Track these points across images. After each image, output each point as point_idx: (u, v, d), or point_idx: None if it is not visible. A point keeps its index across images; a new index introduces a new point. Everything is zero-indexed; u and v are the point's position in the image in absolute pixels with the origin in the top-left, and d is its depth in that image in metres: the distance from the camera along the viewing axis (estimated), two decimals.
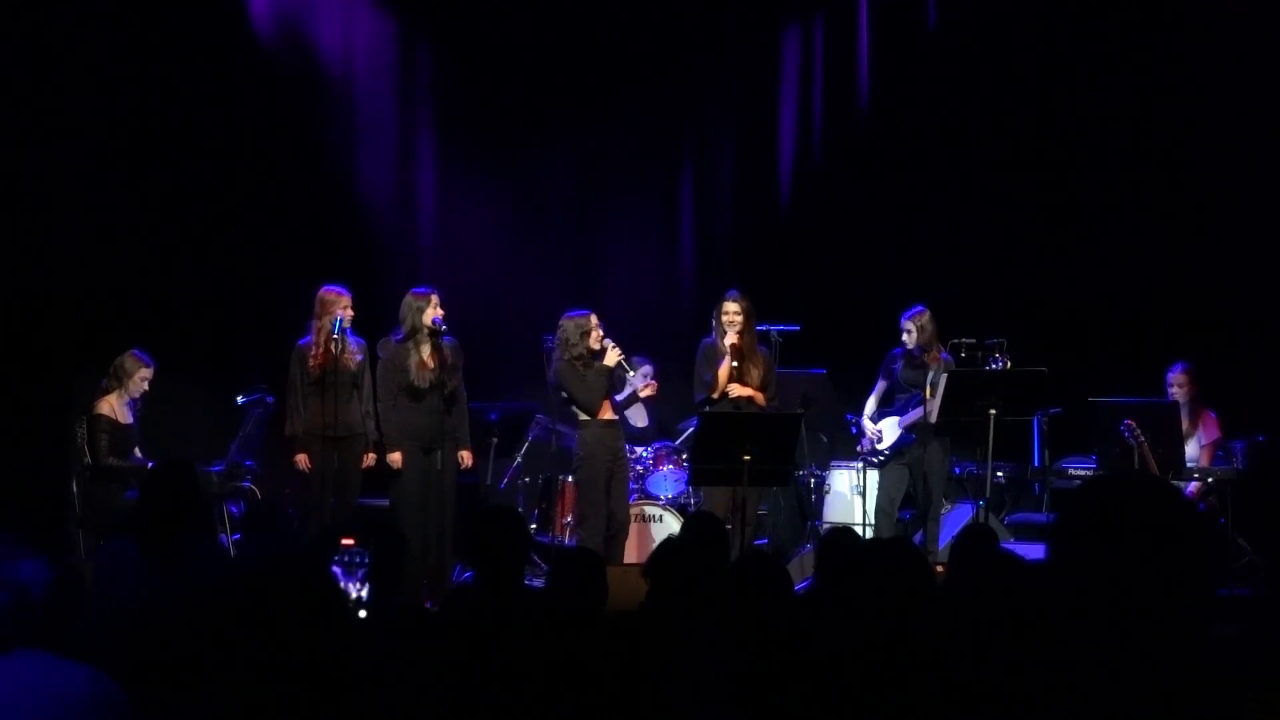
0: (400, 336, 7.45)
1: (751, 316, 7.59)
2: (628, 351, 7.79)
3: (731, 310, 7.56)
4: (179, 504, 4.37)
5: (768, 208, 10.27)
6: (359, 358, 7.57)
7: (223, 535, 7.66)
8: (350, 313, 7.45)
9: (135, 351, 7.61)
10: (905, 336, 7.81)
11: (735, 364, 7.50)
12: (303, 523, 7.30)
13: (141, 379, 7.58)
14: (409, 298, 7.48)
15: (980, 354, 7.73)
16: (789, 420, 7.20)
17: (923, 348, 7.78)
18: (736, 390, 7.50)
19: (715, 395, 7.54)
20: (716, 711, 3.22)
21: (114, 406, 7.51)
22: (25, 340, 7.93)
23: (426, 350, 7.42)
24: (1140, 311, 9.07)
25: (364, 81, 9.74)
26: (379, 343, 7.56)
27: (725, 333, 7.52)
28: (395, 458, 7.40)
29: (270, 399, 8.08)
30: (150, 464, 7.29)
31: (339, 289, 7.52)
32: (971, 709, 2.87)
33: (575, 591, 4.16)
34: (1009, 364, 7.57)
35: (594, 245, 10.29)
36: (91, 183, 8.42)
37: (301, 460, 7.46)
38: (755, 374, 7.55)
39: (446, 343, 7.49)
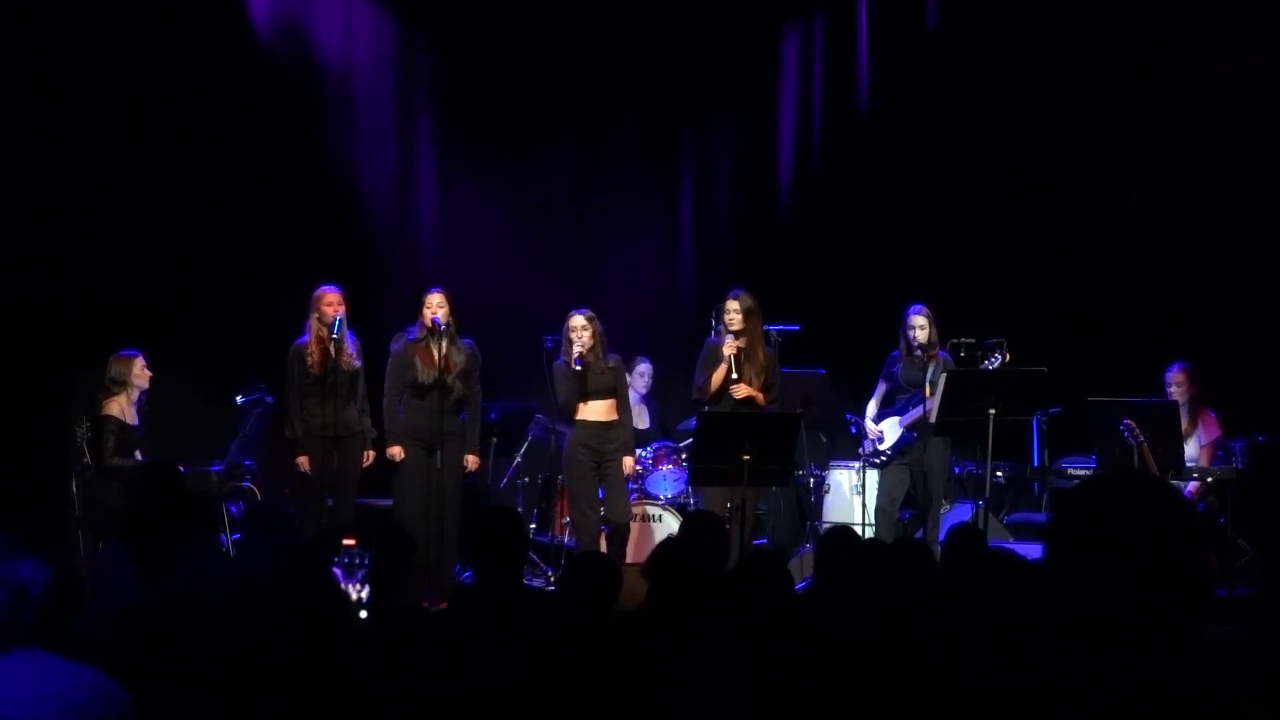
0: (414, 334, 7.46)
1: (755, 315, 7.52)
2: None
3: (731, 309, 7.50)
4: (165, 506, 4.36)
5: (767, 208, 10.26)
6: (358, 362, 7.57)
7: (222, 535, 7.66)
8: (338, 309, 7.43)
9: (120, 353, 7.55)
10: (918, 331, 7.71)
11: (734, 375, 7.40)
12: (302, 523, 7.30)
13: (140, 371, 7.55)
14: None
15: (980, 354, 7.70)
16: (788, 420, 7.16)
17: (923, 345, 7.74)
18: (741, 392, 7.43)
19: (704, 399, 7.49)
20: (717, 711, 3.22)
21: (122, 408, 7.48)
22: (25, 341, 7.92)
23: (436, 349, 7.40)
24: (1140, 311, 9.06)
25: (363, 81, 9.75)
26: (393, 337, 7.57)
27: (727, 335, 7.47)
28: (395, 450, 7.39)
29: (270, 399, 8.07)
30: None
31: (328, 287, 7.51)
32: (969, 709, 2.87)
33: (586, 593, 4.16)
34: (1007, 358, 7.54)
35: (594, 245, 10.29)
36: (91, 183, 8.42)
37: (303, 463, 7.45)
38: (755, 375, 7.46)
39: (464, 345, 7.50)
